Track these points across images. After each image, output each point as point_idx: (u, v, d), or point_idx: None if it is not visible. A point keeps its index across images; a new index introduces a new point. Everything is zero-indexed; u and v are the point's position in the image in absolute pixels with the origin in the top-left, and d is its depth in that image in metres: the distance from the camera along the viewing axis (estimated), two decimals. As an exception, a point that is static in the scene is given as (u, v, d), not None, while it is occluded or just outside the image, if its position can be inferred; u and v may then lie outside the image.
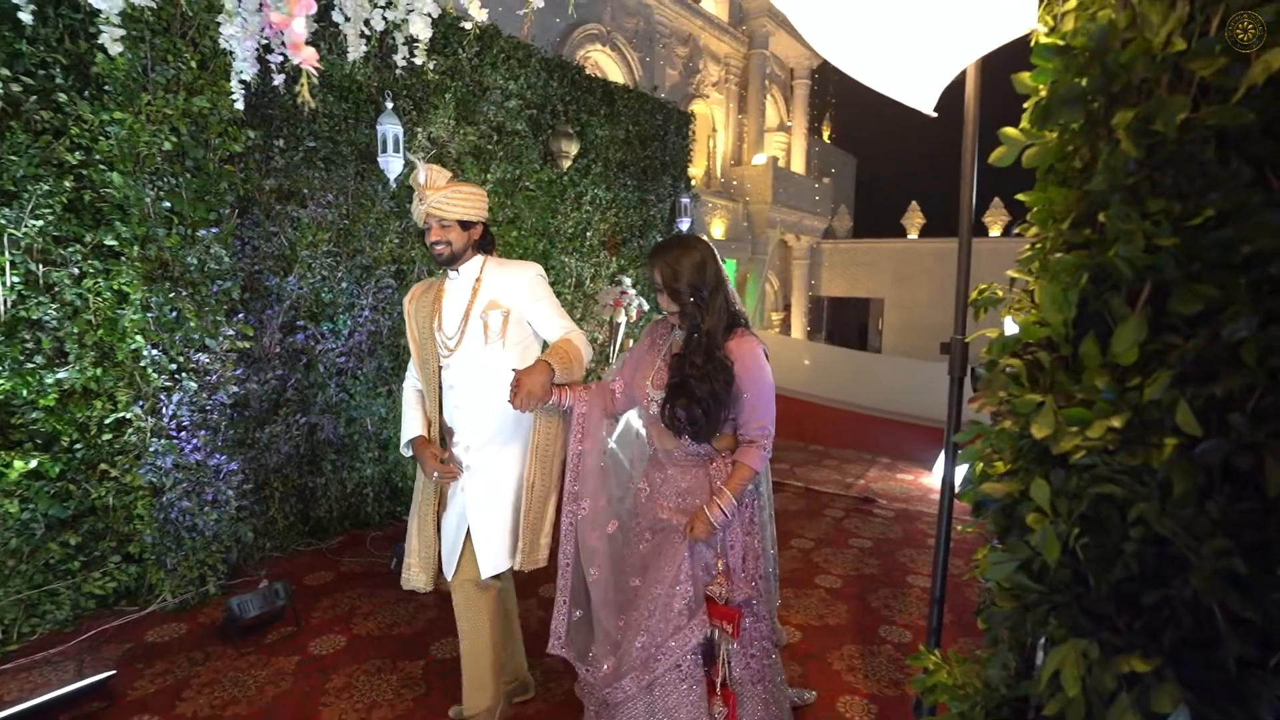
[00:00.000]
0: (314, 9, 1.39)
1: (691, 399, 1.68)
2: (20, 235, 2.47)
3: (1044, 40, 0.93)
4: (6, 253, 2.47)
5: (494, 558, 1.96)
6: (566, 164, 4.93)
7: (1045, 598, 0.91)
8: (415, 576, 2.05)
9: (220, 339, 2.87)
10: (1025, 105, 0.98)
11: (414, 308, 2.07)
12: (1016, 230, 1.07)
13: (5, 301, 2.49)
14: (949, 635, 2.71)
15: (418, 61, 1.96)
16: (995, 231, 12.43)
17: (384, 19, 2.06)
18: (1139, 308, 0.84)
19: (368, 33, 2.10)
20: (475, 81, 4.21)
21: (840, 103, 15.99)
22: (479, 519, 1.95)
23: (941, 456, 5.68)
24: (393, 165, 3.62)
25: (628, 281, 5.16)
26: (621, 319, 4.84)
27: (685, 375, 1.71)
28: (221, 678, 2.41)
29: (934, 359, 7.08)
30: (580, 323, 5.29)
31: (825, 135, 16.16)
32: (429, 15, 1.93)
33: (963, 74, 1.35)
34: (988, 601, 0.98)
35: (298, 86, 1.88)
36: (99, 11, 1.84)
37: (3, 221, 2.43)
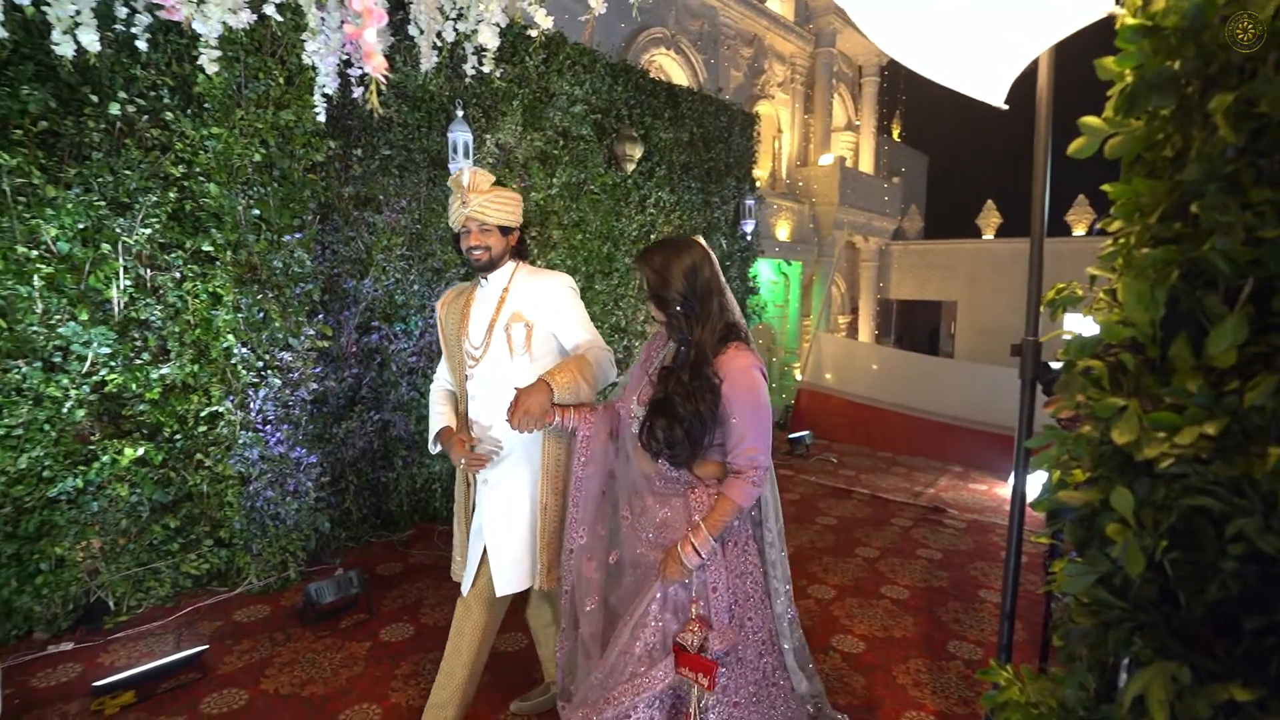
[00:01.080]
0: (385, 20, 1.45)
1: (672, 419, 1.51)
2: (132, 242, 2.70)
3: (1130, 22, 0.88)
4: (121, 258, 2.69)
5: (508, 576, 1.91)
6: (631, 167, 4.97)
7: (1129, 615, 0.86)
8: (459, 569, 2.07)
9: (302, 338, 3.04)
10: (1108, 93, 0.92)
11: (444, 314, 2.03)
12: (1099, 225, 1.01)
13: (119, 303, 2.72)
14: (1022, 653, 2.57)
15: (485, 70, 2.02)
16: (1079, 231, 11.74)
17: (455, 30, 2.14)
18: (1239, 306, 0.78)
19: (439, 44, 2.19)
20: (542, 88, 4.31)
21: (911, 100, 15.48)
22: (494, 536, 1.90)
23: (1018, 467, 5.40)
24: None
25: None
26: (683, 321, 4.83)
27: (669, 392, 1.54)
28: (300, 658, 2.55)
29: (1011, 364, 6.75)
30: (644, 325, 5.31)
31: (895, 134, 15.68)
32: (497, 25, 2.00)
33: (1035, 63, 1.28)
34: (1065, 617, 0.93)
35: (366, 93, 1.96)
36: (200, 35, 1.99)
37: (118, 230, 2.66)
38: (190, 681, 2.40)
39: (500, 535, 1.91)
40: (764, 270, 10.22)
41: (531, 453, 1.92)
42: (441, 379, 2.08)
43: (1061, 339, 1.05)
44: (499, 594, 1.91)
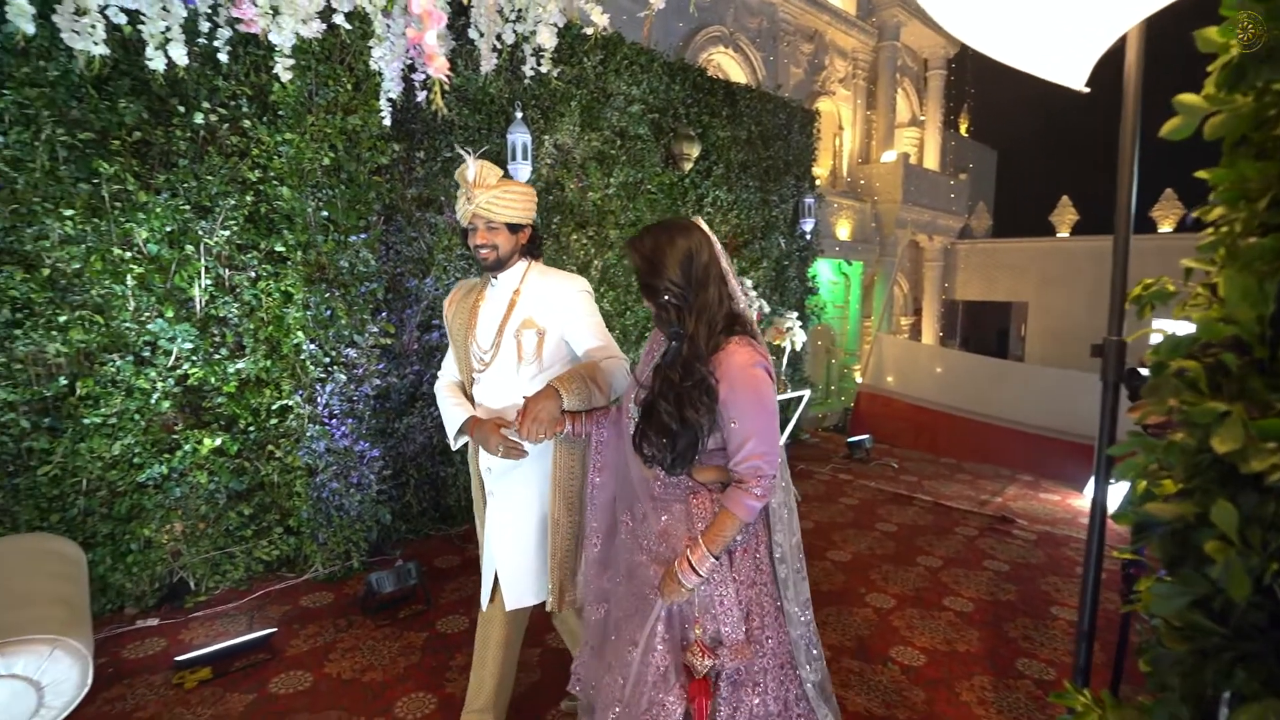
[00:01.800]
0: (444, 22, 1.48)
1: (661, 425, 1.37)
2: (212, 244, 2.85)
3: (1237, -9, 0.80)
4: (202, 259, 2.85)
5: (518, 592, 1.84)
6: (688, 166, 4.95)
7: (1230, 644, 0.78)
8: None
9: (366, 336, 3.15)
10: (1209, 67, 0.85)
11: (452, 313, 1.91)
12: (1194, 214, 0.93)
13: (200, 301, 2.88)
14: (1097, 676, 2.42)
15: (544, 70, 2.04)
16: (1166, 227, 10.99)
17: (514, 32, 2.17)
18: (1362, 302, 0.70)
19: (499, 46, 2.22)
20: (599, 88, 4.33)
21: (979, 93, 14.87)
22: (501, 550, 1.83)
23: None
24: (521, 172, 3.80)
25: (748, 283, 5.08)
26: (738, 322, 4.78)
27: (658, 394, 1.39)
28: (361, 645, 2.63)
29: (1088, 369, 6.38)
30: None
31: (962, 129, 15.08)
32: (555, 25, 2.01)
33: (1120, 42, 1.19)
34: (1153, 641, 0.86)
35: (430, 94, 2.00)
36: (275, 46, 2.08)
37: (200, 232, 2.82)
38: (260, 662, 2.51)
39: (508, 550, 1.83)
40: (824, 270, 10.00)
41: (541, 464, 1.80)
42: (449, 373, 1.96)
43: (1148, 339, 0.97)
44: (508, 609, 1.85)
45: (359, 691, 2.36)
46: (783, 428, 5.06)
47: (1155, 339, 0.91)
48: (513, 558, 1.83)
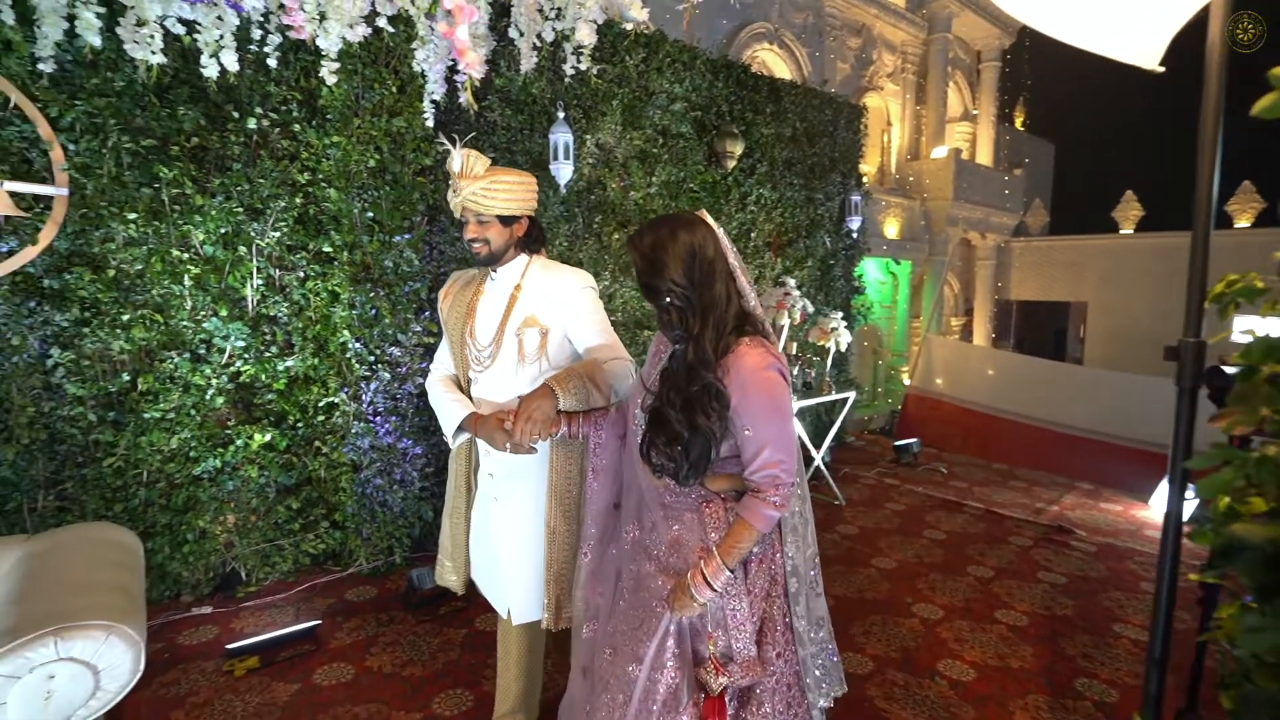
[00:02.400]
0: (475, 16, 1.47)
1: (670, 435, 1.29)
2: (264, 245, 2.93)
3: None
4: (254, 260, 2.94)
5: (523, 606, 1.76)
6: (731, 164, 4.88)
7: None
8: (448, 575, 1.93)
9: (410, 334, 3.20)
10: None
11: (448, 306, 1.82)
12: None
13: (252, 300, 2.97)
14: (1168, 701, 2.27)
15: (583, 67, 2.03)
16: (1243, 222, 10.36)
17: (553, 30, 2.16)
18: None
19: (538, 44, 2.21)
20: (641, 87, 4.31)
21: (1036, 85, 14.29)
22: (509, 559, 1.74)
23: (1163, 486, 4.83)
24: (563, 172, 3.81)
25: (792, 283, 4.99)
26: (785, 321, 4.69)
27: (665, 402, 1.31)
28: (402, 639, 2.67)
29: (1153, 372, 6.04)
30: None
31: (1018, 122, 14.53)
32: (594, 22, 2.00)
33: (1197, 16, 1.09)
34: (1238, 675, 0.78)
35: (462, 88, 2.00)
36: (323, 51, 2.12)
37: (252, 234, 2.90)
38: (306, 653, 2.57)
39: (514, 557, 1.74)
40: (871, 270, 9.76)
41: (542, 469, 1.70)
42: (443, 367, 1.85)
43: (1230, 341, 0.89)
44: (515, 623, 1.78)
45: (398, 686, 2.39)
46: (826, 430, 4.95)
47: (1242, 339, 0.83)
48: (517, 568, 1.75)
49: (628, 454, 1.51)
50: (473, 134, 3.50)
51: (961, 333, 12.51)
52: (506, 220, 1.66)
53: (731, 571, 1.32)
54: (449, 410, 1.73)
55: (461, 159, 1.60)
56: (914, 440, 5.96)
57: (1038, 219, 14.00)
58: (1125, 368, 7.67)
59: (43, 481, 2.65)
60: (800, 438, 4.53)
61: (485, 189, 1.60)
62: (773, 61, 8.67)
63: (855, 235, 6.17)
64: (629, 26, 1.92)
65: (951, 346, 8.23)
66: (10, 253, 2.51)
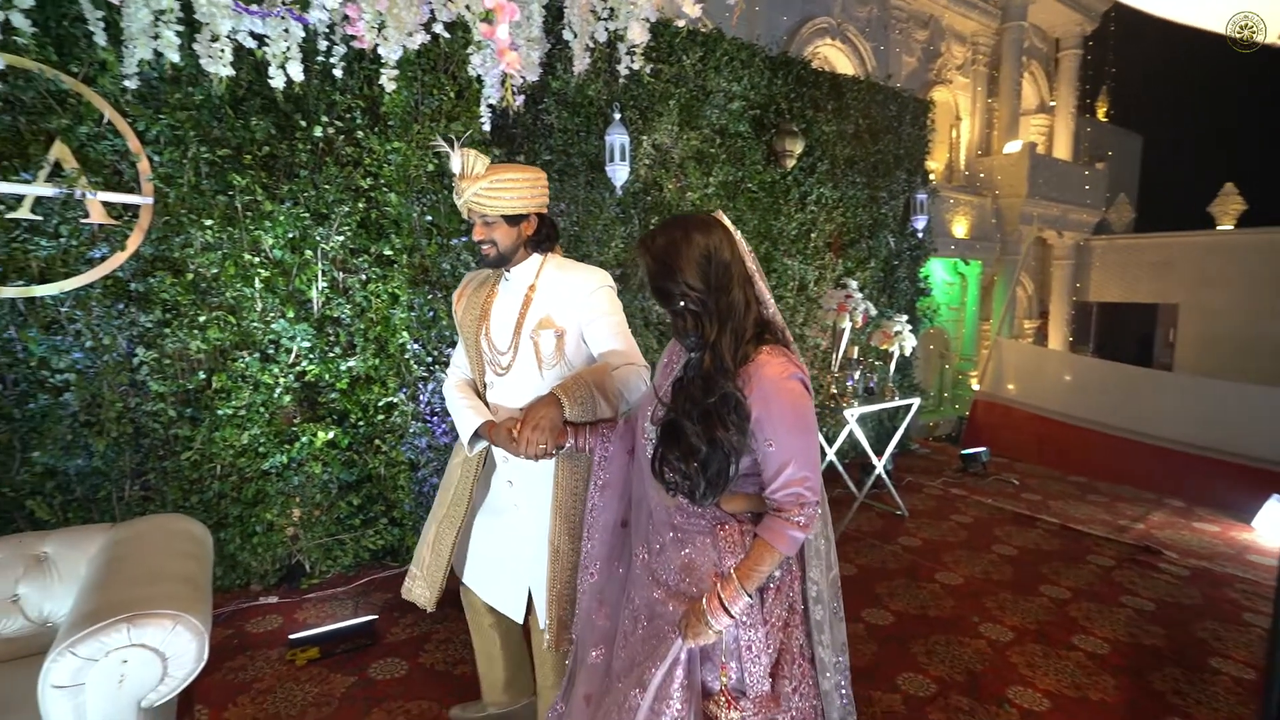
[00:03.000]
0: (515, 15, 1.46)
1: (686, 449, 1.21)
2: (328, 248, 3.04)
3: None
4: (319, 263, 3.04)
5: (536, 613, 1.71)
6: (791, 163, 4.77)
7: None
8: (418, 589, 1.82)
9: (467, 336, 3.25)
10: None
11: (462, 308, 1.76)
12: None
13: (317, 302, 3.07)
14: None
15: (636, 66, 2.00)
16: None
17: (606, 30, 2.14)
18: None
19: (591, 45, 2.20)
20: (699, 86, 4.26)
21: (1122, 72, 13.42)
22: (535, 567, 1.68)
23: (1272, 506, 4.43)
24: (619, 174, 3.80)
25: (854, 285, 4.83)
26: (846, 324, 4.55)
27: (679, 413, 1.23)
28: (454, 638, 2.71)
29: (1255, 379, 5.55)
30: (802, 328, 5.07)
31: (1100, 113, 13.70)
32: (646, 20, 1.97)
33: None
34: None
35: (501, 88, 1.99)
36: (382, 58, 2.17)
37: (318, 238, 3.01)
38: (363, 646, 2.63)
39: (537, 563, 1.68)
40: (938, 270, 9.40)
41: (544, 484, 1.64)
42: (460, 371, 1.80)
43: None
44: (542, 625, 1.71)
45: (450, 683, 2.42)
46: (889, 436, 4.76)
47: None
48: (540, 576, 1.69)
49: (636, 469, 1.42)
50: (495, 137, 3.52)
51: (1035, 336, 11.88)
52: (513, 219, 1.60)
53: (750, 597, 1.23)
54: (465, 417, 1.68)
55: (461, 159, 1.56)
56: (982, 449, 5.68)
57: (1122, 215, 13.16)
58: (1222, 375, 7.10)
59: (129, 472, 2.82)
60: (823, 448, 4.37)
61: (487, 188, 1.55)
62: (835, 57, 8.45)
63: (921, 235, 5.94)
64: (681, 23, 1.87)
65: (1025, 350, 7.81)
66: (102, 258, 2.68)
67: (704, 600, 1.23)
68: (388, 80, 2.13)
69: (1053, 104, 11.96)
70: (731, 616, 1.22)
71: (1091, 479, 5.47)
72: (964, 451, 5.68)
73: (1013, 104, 10.64)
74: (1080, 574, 3.52)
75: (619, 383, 1.55)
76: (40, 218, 2.56)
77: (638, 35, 1.90)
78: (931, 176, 6.59)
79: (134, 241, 2.71)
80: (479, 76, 2.42)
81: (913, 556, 3.69)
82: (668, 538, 1.34)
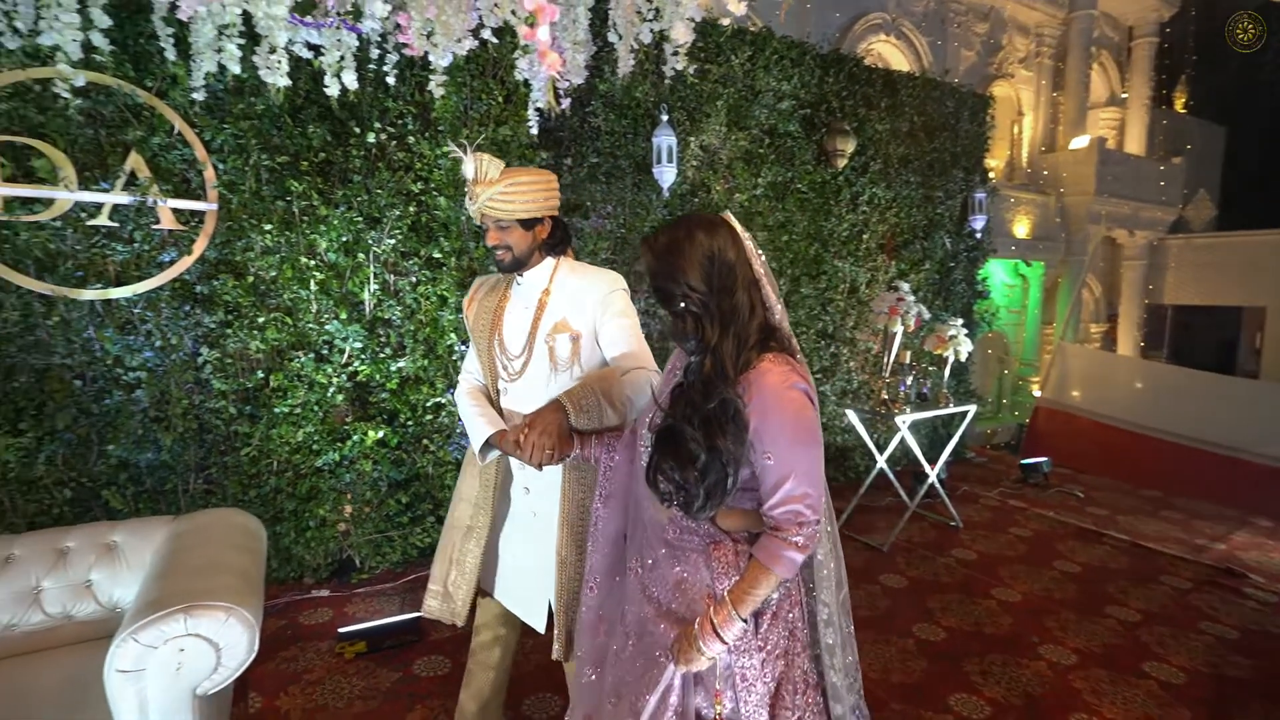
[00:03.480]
0: (556, 15, 1.45)
1: (682, 458, 1.15)
2: (380, 251, 3.11)
3: None
4: (371, 266, 3.12)
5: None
6: (842, 163, 4.65)
7: None
8: (442, 607, 1.77)
9: (513, 338, 3.28)
10: None
11: (473, 313, 1.75)
12: None
13: (369, 304, 3.16)
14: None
15: (680, 67, 1.97)
16: None
17: (651, 31, 2.13)
18: None
19: (636, 46, 2.19)
20: (748, 86, 4.21)
21: (1204, 60, 12.62)
22: (549, 578, 1.63)
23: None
24: (666, 175, 3.78)
25: (906, 287, 4.68)
26: (898, 328, 4.41)
27: (677, 420, 1.18)
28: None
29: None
30: (853, 331, 4.95)
31: (1178, 104, 12.93)
32: (691, 20, 1.94)
33: None
34: None
35: (543, 89, 1.99)
36: (431, 64, 2.20)
37: (370, 241, 3.09)
38: (408, 642, 2.69)
39: (550, 577, 1.63)
40: (997, 272, 9.04)
41: (559, 492, 1.60)
42: (472, 377, 1.78)
43: None
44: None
45: (492, 683, 2.43)
46: (944, 444, 4.59)
47: None
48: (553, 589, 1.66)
49: (637, 479, 1.36)
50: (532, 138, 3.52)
51: (1103, 341, 11.29)
52: (528, 224, 1.58)
53: (745, 622, 1.16)
54: (476, 425, 1.64)
55: (475, 164, 1.54)
56: (1044, 459, 5.42)
57: (1202, 213, 12.39)
58: (1314, 384, 6.58)
59: (193, 466, 2.95)
60: (874, 454, 4.22)
61: (503, 193, 1.53)
62: (889, 53, 8.23)
63: (979, 235, 5.71)
64: (726, 21, 1.83)
65: (1091, 356, 7.43)
66: (171, 262, 2.81)
67: (695, 625, 1.17)
68: (436, 86, 2.17)
69: (1124, 96, 11.35)
70: (724, 642, 1.15)
71: (1166, 494, 5.15)
72: (1024, 461, 5.44)
73: (1080, 97, 10.15)
74: (1152, 596, 3.31)
75: (628, 388, 1.52)
76: (116, 224, 2.71)
77: (682, 35, 1.88)
78: (991, 175, 6.34)
79: (200, 246, 2.83)
80: (526, 80, 2.45)
81: (967, 570, 3.55)
82: (660, 553, 1.27)
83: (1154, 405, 5.78)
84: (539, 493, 1.68)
